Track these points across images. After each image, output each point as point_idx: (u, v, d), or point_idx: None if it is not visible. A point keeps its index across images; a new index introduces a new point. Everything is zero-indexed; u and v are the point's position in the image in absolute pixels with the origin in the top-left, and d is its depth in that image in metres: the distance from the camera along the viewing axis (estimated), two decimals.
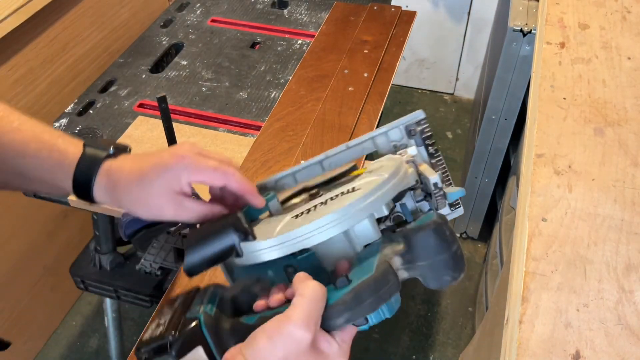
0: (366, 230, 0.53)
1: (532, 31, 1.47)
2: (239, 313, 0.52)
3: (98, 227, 1.25)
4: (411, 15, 1.58)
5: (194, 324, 0.49)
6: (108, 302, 1.39)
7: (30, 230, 1.57)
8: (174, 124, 0.96)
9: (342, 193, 0.55)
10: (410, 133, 0.64)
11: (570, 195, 0.79)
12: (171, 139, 0.82)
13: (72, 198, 1.09)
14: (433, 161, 0.64)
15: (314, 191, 0.64)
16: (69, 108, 1.29)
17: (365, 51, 1.42)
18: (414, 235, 0.52)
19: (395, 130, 0.64)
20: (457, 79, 2.72)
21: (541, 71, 1.01)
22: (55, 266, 1.68)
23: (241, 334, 0.48)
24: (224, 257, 0.54)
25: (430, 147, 0.64)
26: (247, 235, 0.54)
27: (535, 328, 0.65)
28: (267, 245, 0.52)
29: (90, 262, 1.31)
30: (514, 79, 1.58)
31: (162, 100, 0.79)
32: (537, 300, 0.68)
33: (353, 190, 0.54)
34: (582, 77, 1.00)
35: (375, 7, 1.60)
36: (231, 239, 0.53)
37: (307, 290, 0.48)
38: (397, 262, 0.51)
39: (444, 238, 0.52)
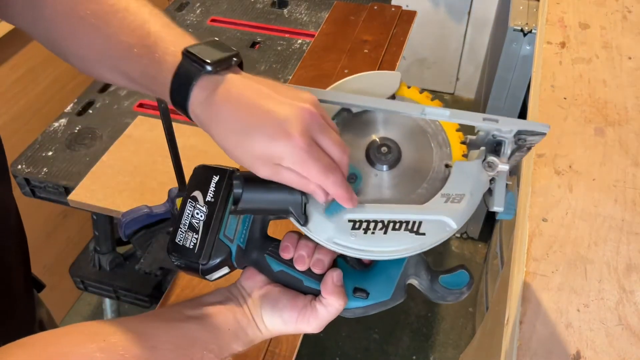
0: None
1: (533, 31, 1.47)
2: (266, 240, 0.58)
3: (97, 227, 1.25)
4: (411, 14, 1.58)
5: (225, 255, 0.54)
6: (107, 302, 1.39)
7: (30, 230, 1.57)
8: (174, 124, 0.95)
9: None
10: (519, 140, 0.57)
11: (571, 195, 0.79)
12: (171, 140, 0.82)
13: (71, 198, 1.08)
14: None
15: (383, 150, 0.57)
16: (69, 108, 1.29)
17: (366, 51, 1.42)
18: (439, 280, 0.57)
19: (511, 126, 0.56)
20: (457, 79, 2.71)
21: (542, 71, 1.01)
22: (54, 266, 1.68)
23: (262, 271, 0.57)
24: (282, 211, 0.53)
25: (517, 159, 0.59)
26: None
27: (536, 328, 0.65)
28: (332, 239, 0.53)
29: (90, 262, 1.31)
30: (514, 78, 1.58)
31: (162, 100, 0.79)
32: (537, 300, 0.67)
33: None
34: (583, 77, 1.00)
35: (376, 7, 1.60)
36: (298, 198, 0.52)
37: (333, 308, 0.54)
38: (415, 282, 0.57)
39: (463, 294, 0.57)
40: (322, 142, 0.49)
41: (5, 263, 0.73)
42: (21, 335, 0.47)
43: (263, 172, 0.49)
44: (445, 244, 2.10)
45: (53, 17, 0.55)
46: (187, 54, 0.50)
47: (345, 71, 1.35)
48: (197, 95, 0.50)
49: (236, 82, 0.50)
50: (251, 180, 0.51)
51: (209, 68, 0.49)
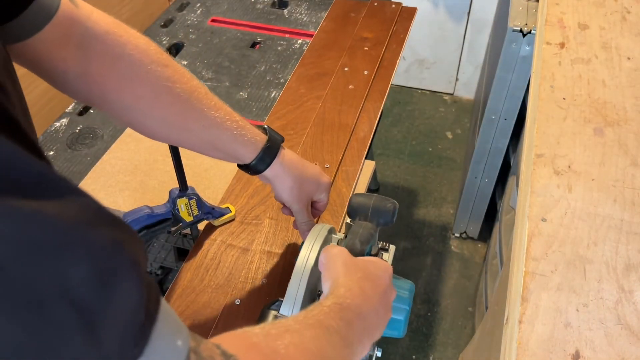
0: None
1: (532, 31, 1.47)
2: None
3: None
4: (412, 11, 1.57)
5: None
6: None
7: None
8: None
9: None
10: None
11: (570, 195, 0.80)
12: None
13: None
14: None
15: None
16: (70, 108, 1.30)
17: (366, 48, 1.42)
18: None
19: None
20: (457, 79, 2.72)
21: (541, 71, 1.01)
22: None
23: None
24: (387, 216, 0.72)
25: None
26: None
27: (535, 328, 0.65)
28: None
29: None
30: (513, 79, 1.58)
31: None
32: (536, 300, 0.68)
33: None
34: (582, 77, 1.00)
35: (376, 3, 1.60)
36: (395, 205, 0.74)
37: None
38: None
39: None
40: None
41: None
42: None
43: (299, 205, 0.83)
44: (445, 244, 2.10)
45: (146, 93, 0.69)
46: (270, 131, 0.79)
47: (345, 69, 1.35)
48: (276, 161, 0.78)
49: (289, 151, 0.82)
50: None
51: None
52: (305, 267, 0.65)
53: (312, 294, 0.66)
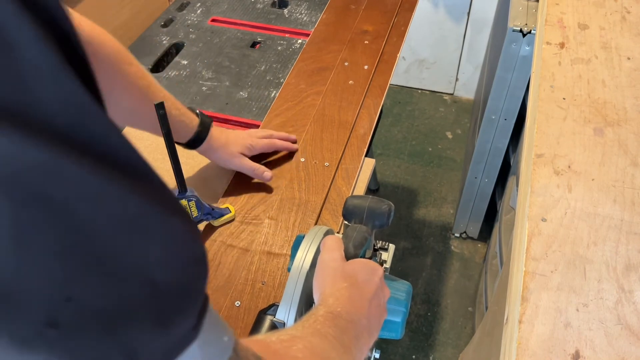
0: None
1: (532, 31, 1.47)
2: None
3: None
4: (413, 2, 1.55)
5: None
6: None
7: None
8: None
9: None
10: None
11: (570, 195, 0.79)
12: (170, 143, 0.82)
13: None
14: None
15: None
16: None
17: (366, 42, 1.41)
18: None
19: None
20: (456, 79, 2.72)
21: (541, 71, 1.01)
22: None
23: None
24: (382, 218, 0.72)
25: None
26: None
27: (535, 328, 0.65)
28: None
29: None
30: (513, 79, 1.58)
31: (160, 107, 0.79)
32: (536, 300, 0.68)
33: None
34: (582, 77, 1.00)
35: None
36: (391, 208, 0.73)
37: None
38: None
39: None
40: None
41: None
42: None
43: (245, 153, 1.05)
44: (445, 243, 2.10)
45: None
46: (202, 116, 1.00)
47: (345, 64, 1.34)
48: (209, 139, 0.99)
49: (216, 131, 1.02)
50: None
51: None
52: (300, 271, 0.65)
53: (309, 297, 0.67)
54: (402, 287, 0.71)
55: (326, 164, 1.09)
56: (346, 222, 0.75)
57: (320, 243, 0.68)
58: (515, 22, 1.50)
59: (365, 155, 1.12)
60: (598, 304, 0.67)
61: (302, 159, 1.10)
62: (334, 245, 0.65)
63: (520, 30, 1.48)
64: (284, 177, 1.06)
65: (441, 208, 2.23)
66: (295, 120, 1.19)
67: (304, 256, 0.67)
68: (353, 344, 0.54)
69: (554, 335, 0.65)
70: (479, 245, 2.09)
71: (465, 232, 2.08)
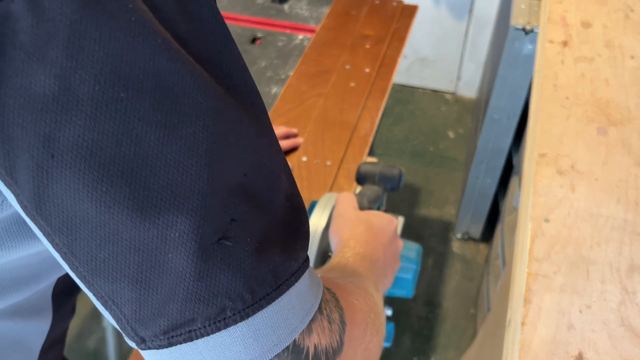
0: None
1: (534, 30, 1.46)
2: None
3: None
4: (413, 9, 1.58)
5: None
6: None
7: None
8: None
9: None
10: None
11: (573, 196, 0.79)
12: None
13: None
14: None
15: None
16: None
17: (367, 46, 1.42)
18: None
19: None
20: (458, 78, 2.71)
21: (543, 70, 1.00)
22: None
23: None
24: (393, 181, 0.77)
25: None
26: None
27: (538, 330, 0.64)
28: None
29: None
30: (516, 78, 1.57)
31: None
32: (539, 301, 0.67)
33: None
34: (585, 76, 0.99)
35: (377, 1, 1.60)
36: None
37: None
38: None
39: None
40: None
41: None
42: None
43: None
44: (446, 244, 2.09)
45: None
46: None
47: (347, 67, 1.34)
48: None
49: None
50: None
51: None
52: (317, 231, 0.68)
53: (324, 256, 0.70)
54: (413, 247, 0.75)
55: (328, 163, 1.08)
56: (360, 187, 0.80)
57: (333, 206, 0.72)
58: (517, 20, 1.49)
59: (367, 156, 1.12)
60: (601, 305, 0.67)
61: (304, 158, 1.09)
62: (348, 198, 0.68)
63: (523, 29, 1.47)
64: None
65: (443, 208, 2.22)
66: (297, 121, 1.19)
67: (319, 218, 0.70)
68: (377, 285, 0.56)
69: (556, 337, 0.64)
70: (481, 246, 2.08)
71: (467, 232, 2.07)
